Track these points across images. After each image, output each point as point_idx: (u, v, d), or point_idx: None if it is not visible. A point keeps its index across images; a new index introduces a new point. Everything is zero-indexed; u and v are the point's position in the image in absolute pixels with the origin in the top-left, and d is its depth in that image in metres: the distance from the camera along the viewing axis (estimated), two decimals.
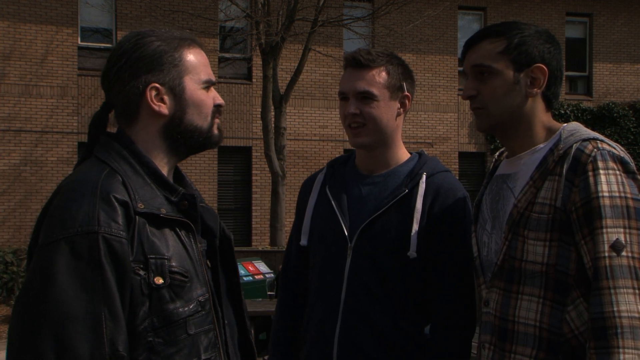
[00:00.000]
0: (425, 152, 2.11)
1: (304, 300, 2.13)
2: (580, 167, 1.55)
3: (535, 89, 1.69)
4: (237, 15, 12.06)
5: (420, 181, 1.97)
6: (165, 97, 1.49)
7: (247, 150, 13.73)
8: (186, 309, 1.42)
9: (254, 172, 13.72)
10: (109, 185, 1.37)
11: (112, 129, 1.55)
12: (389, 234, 1.94)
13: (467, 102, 1.76)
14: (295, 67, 10.93)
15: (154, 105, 1.48)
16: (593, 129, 1.73)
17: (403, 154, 2.06)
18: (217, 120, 1.57)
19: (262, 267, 8.64)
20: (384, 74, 1.98)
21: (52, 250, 1.30)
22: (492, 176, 1.86)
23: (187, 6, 12.79)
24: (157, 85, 1.47)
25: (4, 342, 8.54)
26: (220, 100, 1.58)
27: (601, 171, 1.53)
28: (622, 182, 1.53)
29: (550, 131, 1.72)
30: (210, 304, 1.49)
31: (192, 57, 1.53)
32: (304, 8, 10.65)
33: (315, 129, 14.11)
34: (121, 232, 1.34)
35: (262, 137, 11.01)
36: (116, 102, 1.50)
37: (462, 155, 15.09)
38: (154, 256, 1.38)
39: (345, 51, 14.05)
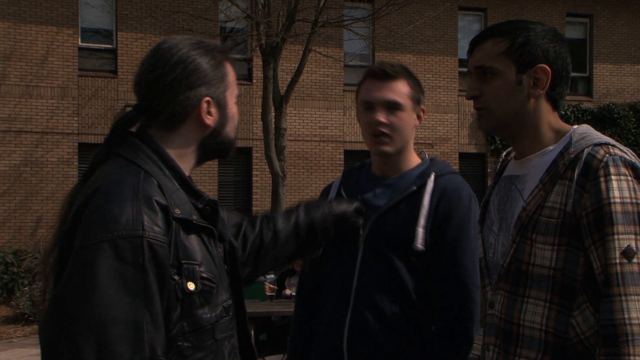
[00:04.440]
0: (437, 158, 2.23)
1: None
2: (591, 172, 1.53)
3: (539, 90, 1.67)
4: (237, 16, 12.05)
5: (429, 180, 2.07)
6: (213, 110, 1.53)
7: (248, 151, 13.72)
8: (213, 314, 1.43)
9: (254, 172, 13.71)
10: (150, 189, 1.37)
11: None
12: (397, 227, 2.04)
13: (468, 103, 1.76)
14: (296, 68, 10.90)
15: (205, 118, 1.51)
16: None
17: (415, 159, 2.19)
18: None
19: None
20: (407, 85, 2.09)
21: (93, 252, 1.28)
22: (500, 176, 1.85)
23: (188, 7, 12.79)
24: (209, 98, 1.51)
25: (4, 343, 8.52)
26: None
27: (613, 177, 1.51)
28: (634, 188, 1.51)
29: (559, 133, 1.71)
30: (233, 309, 1.50)
31: (231, 71, 1.58)
32: (304, 9, 10.63)
33: (315, 130, 14.10)
34: (163, 237, 1.34)
35: (262, 137, 10.99)
36: (161, 108, 1.49)
37: (463, 156, 15.08)
38: (186, 261, 1.39)
39: (345, 52, 14.05)
